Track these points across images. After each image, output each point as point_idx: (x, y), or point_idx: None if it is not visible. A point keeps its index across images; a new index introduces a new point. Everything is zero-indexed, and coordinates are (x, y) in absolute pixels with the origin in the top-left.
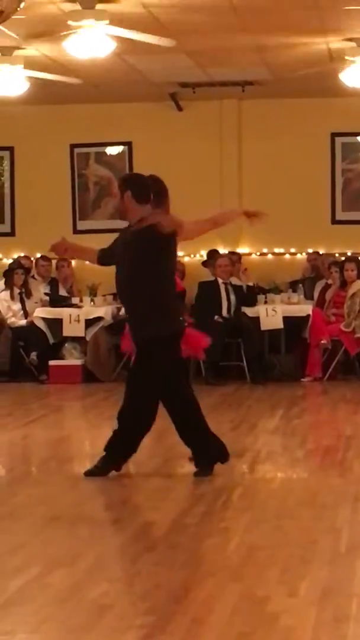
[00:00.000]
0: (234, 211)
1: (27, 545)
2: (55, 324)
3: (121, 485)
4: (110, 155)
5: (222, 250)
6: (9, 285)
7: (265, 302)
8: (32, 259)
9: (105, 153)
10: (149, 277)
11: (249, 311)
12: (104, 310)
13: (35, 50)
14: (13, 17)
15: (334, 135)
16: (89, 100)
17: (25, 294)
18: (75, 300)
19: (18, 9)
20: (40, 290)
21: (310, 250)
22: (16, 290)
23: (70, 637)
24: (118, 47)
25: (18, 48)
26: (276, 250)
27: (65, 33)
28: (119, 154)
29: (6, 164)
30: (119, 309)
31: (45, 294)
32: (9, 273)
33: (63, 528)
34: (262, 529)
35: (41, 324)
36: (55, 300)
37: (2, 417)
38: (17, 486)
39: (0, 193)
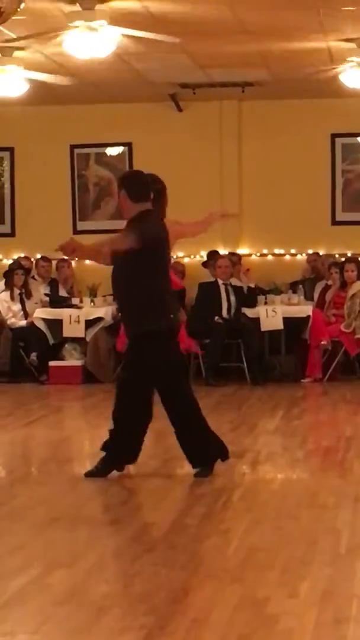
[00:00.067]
0: (212, 215)
1: (27, 546)
2: (55, 325)
3: (121, 486)
4: (110, 155)
5: (222, 251)
6: (9, 285)
7: (266, 303)
8: (32, 259)
9: (105, 154)
10: (144, 272)
11: (249, 312)
12: (104, 310)
13: (35, 50)
14: (13, 17)
15: (334, 136)
16: (89, 101)
17: (25, 294)
18: (75, 301)
19: (18, 9)
20: (40, 290)
21: (310, 251)
22: (16, 291)
23: (70, 637)
24: (118, 48)
25: (18, 49)
26: (276, 251)
27: (65, 33)
28: (119, 155)
29: (6, 164)
30: (118, 310)
31: (45, 294)
32: (9, 274)
33: (63, 529)
34: (262, 529)
35: (41, 325)
36: (55, 301)
37: (2, 417)
38: (17, 487)
39: (0, 194)
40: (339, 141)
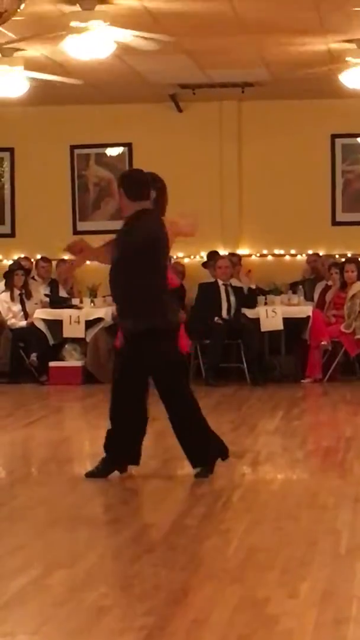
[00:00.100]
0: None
1: (27, 546)
2: (55, 325)
3: (121, 486)
4: (111, 156)
5: (222, 251)
6: (9, 286)
7: (265, 304)
8: (32, 260)
9: (105, 154)
10: (140, 271)
11: (249, 312)
12: (104, 311)
13: (35, 51)
14: (13, 18)
15: (334, 136)
16: (89, 102)
17: (25, 295)
18: (75, 301)
19: (18, 10)
20: (41, 291)
21: (310, 252)
22: (16, 292)
23: (70, 638)
24: (118, 49)
25: (18, 49)
26: (276, 251)
27: (65, 34)
28: (119, 155)
29: (6, 165)
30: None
31: (46, 295)
32: (9, 274)
33: (63, 529)
34: (262, 530)
35: (41, 325)
36: (56, 302)
37: (3, 418)
38: (18, 487)
39: (0, 194)
40: (339, 142)
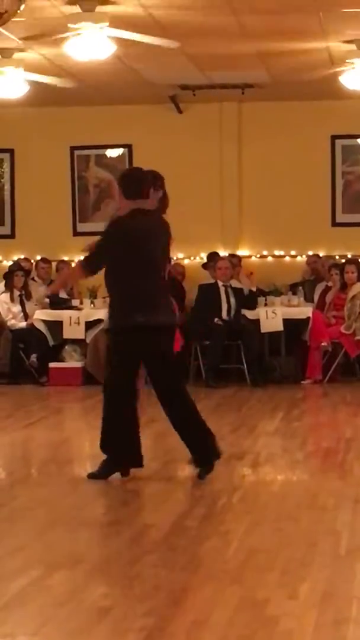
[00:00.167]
0: None
1: (27, 547)
2: (55, 326)
3: (121, 487)
4: (111, 157)
5: (222, 252)
6: (9, 287)
7: (265, 305)
8: (32, 261)
9: (105, 155)
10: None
11: (249, 313)
12: (104, 312)
13: (35, 52)
14: (13, 19)
15: (334, 137)
16: (89, 103)
17: (25, 296)
18: (75, 302)
19: (18, 11)
20: (40, 292)
21: (310, 253)
22: (16, 293)
23: (70, 639)
24: (118, 50)
25: (18, 50)
26: (276, 252)
27: (65, 35)
28: (119, 157)
29: (6, 166)
30: None
31: (46, 296)
32: (9, 275)
33: (63, 530)
34: (262, 531)
35: (41, 326)
36: (55, 303)
37: (2, 419)
38: (18, 488)
39: (0, 195)
40: (339, 143)
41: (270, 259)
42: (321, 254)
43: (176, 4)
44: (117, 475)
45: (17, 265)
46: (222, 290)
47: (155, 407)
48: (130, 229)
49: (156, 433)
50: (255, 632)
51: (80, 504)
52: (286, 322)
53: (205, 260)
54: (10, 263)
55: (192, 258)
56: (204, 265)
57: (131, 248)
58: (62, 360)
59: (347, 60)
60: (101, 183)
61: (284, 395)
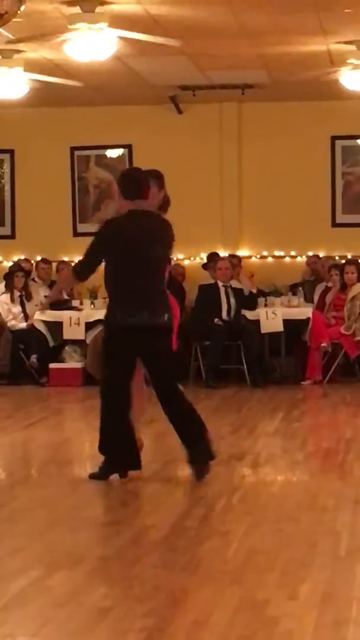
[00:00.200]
0: None
1: (27, 548)
2: (55, 327)
3: (121, 488)
4: (111, 158)
5: (223, 253)
6: (9, 288)
7: (266, 305)
8: (32, 261)
9: (105, 156)
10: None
11: (249, 314)
12: (104, 313)
13: (35, 53)
14: (13, 19)
15: (334, 138)
16: (89, 103)
17: (25, 296)
18: (75, 303)
19: (18, 11)
20: (41, 293)
21: (310, 253)
22: (16, 293)
23: None
24: (118, 50)
25: (18, 51)
26: (276, 253)
27: (65, 36)
28: (119, 157)
29: (6, 166)
30: None
31: (46, 296)
32: (9, 276)
33: (63, 531)
34: (262, 532)
35: (41, 327)
36: (56, 303)
37: (3, 419)
38: (18, 489)
39: (0, 196)
40: (339, 143)
41: (270, 259)
42: (321, 255)
43: (176, 4)
44: (117, 476)
45: (17, 266)
46: (222, 290)
47: (156, 407)
48: (125, 230)
49: (156, 433)
50: (255, 633)
51: (80, 504)
52: (286, 322)
53: (205, 260)
54: (11, 264)
55: (192, 258)
56: (204, 266)
57: (126, 249)
58: (62, 361)
59: (347, 61)
60: (101, 183)
61: (284, 396)
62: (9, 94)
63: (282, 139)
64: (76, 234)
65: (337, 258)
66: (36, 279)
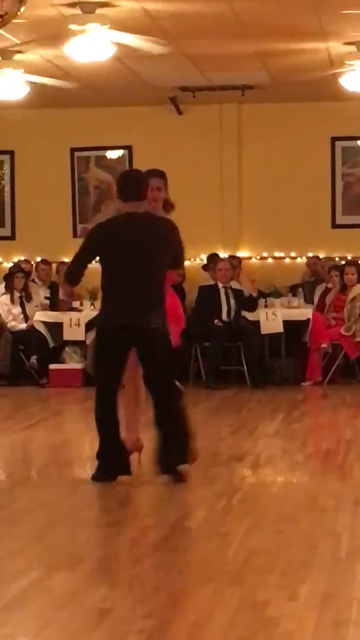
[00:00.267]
0: None
1: (27, 549)
2: (55, 328)
3: (121, 489)
4: (111, 159)
5: (222, 254)
6: (9, 289)
7: (266, 306)
8: (32, 262)
9: (105, 157)
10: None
11: (249, 315)
12: None
13: (35, 54)
14: (14, 21)
15: (334, 139)
16: (89, 104)
17: (25, 297)
18: (75, 304)
19: (19, 13)
20: (41, 294)
21: (310, 254)
22: (16, 294)
23: None
24: (118, 51)
25: (18, 52)
26: (276, 254)
27: (65, 37)
28: (119, 158)
29: (6, 167)
30: None
31: (46, 297)
32: (9, 277)
33: (63, 532)
34: (262, 533)
35: (41, 328)
36: (56, 304)
37: (3, 420)
38: (18, 490)
39: (0, 197)
40: (339, 144)
41: (270, 260)
42: (321, 256)
43: (176, 6)
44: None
45: (17, 267)
46: (222, 291)
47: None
48: (119, 232)
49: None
50: (255, 634)
51: (80, 505)
52: (286, 323)
53: (205, 261)
54: (11, 264)
55: (192, 259)
56: (204, 267)
57: (120, 250)
58: (62, 362)
59: (347, 62)
60: (101, 184)
61: (284, 397)
62: (9, 95)
63: (282, 140)
64: (76, 235)
65: (337, 259)
66: (36, 279)
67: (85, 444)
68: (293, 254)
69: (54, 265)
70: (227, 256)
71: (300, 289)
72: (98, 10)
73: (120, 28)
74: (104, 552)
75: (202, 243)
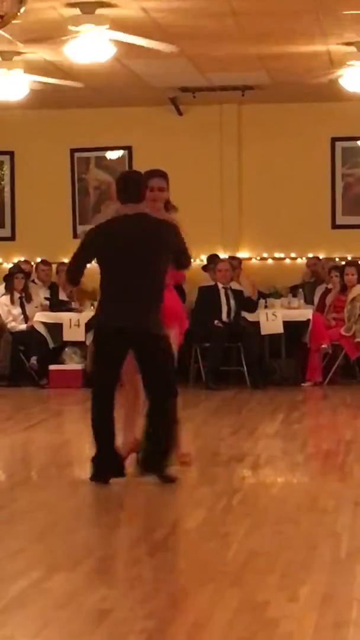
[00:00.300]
0: None
1: (27, 550)
2: (55, 329)
3: (121, 490)
4: (111, 159)
5: (222, 254)
6: (9, 289)
7: (266, 307)
8: (32, 263)
9: (105, 157)
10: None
11: (249, 316)
12: None
13: (35, 54)
14: (13, 21)
15: (334, 139)
16: (89, 105)
17: (25, 298)
18: (75, 304)
19: (18, 13)
20: (41, 294)
21: (310, 255)
22: (16, 295)
23: None
24: (118, 52)
25: (18, 53)
26: (276, 254)
27: (65, 38)
28: (119, 159)
29: (6, 168)
30: None
31: (46, 298)
32: (9, 277)
33: (63, 533)
34: (262, 533)
35: (41, 329)
36: (56, 305)
37: (2, 421)
38: (18, 491)
39: (0, 197)
40: (339, 145)
41: (270, 261)
42: (321, 256)
43: (176, 6)
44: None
45: (17, 268)
46: (222, 292)
47: None
48: (116, 233)
49: None
50: (255, 635)
51: (80, 505)
52: (286, 324)
53: (205, 262)
54: (11, 265)
55: (192, 260)
56: (204, 268)
57: (117, 251)
58: (62, 363)
59: (347, 62)
60: (101, 185)
61: (284, 398)
62: (9, 95)
63: (282, 140)
64: (76, 235)
65: (337, 259)
66: (36, 280)
67: (85, 445)
68: (293, 255)
69: (54, 266)
70: (227, 257)
71: (301, 290)
72: (98, 11)
73: (120, 28)
74: (104, 552)
75: (202, 244)
